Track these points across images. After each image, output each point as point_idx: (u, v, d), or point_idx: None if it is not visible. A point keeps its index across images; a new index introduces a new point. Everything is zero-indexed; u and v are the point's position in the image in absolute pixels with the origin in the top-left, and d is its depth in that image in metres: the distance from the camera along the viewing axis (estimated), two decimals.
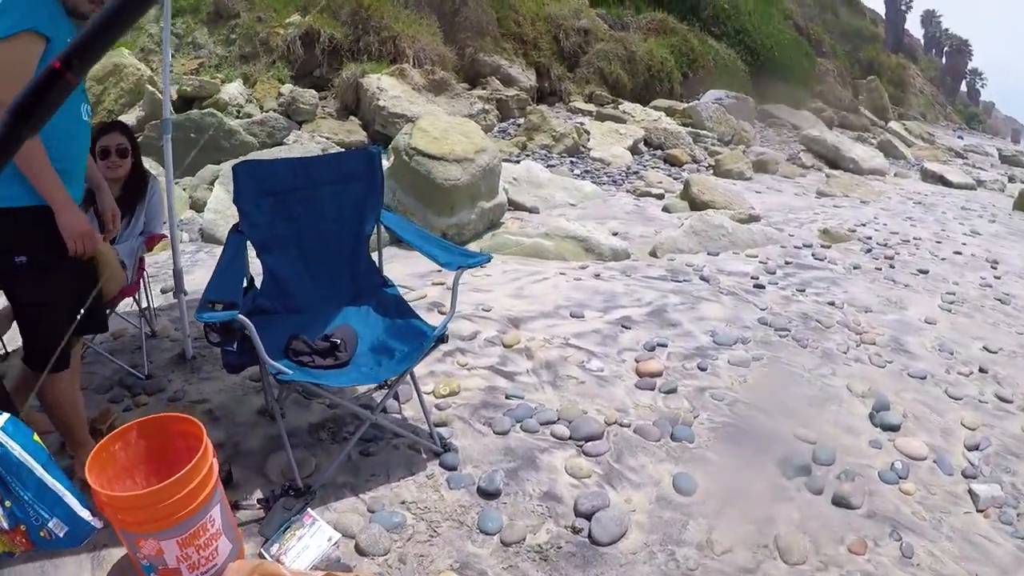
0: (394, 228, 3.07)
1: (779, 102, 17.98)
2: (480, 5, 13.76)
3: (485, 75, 13.14)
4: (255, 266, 3.09)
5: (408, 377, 2.75)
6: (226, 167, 7.74)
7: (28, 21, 2.15)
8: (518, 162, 8.86)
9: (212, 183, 7.59)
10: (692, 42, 18.16)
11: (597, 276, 4.97)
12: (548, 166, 9.14)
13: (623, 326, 4.06)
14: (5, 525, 2.10)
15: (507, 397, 3.25)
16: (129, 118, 8.88)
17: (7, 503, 2.08)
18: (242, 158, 7.93)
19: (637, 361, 3.63)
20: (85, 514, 2.15)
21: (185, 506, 2.04)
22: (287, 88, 10.71)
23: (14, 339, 4.27)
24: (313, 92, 10.78)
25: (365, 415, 2.63)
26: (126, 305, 3.98)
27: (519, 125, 11.56)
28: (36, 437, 2.21)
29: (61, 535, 2.14)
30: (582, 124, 11.74)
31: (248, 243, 2.96)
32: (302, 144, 9.45)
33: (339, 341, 2.73)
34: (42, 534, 2.12)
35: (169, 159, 3.76)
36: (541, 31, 14.96)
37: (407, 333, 2.83)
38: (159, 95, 9.18)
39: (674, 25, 18.15)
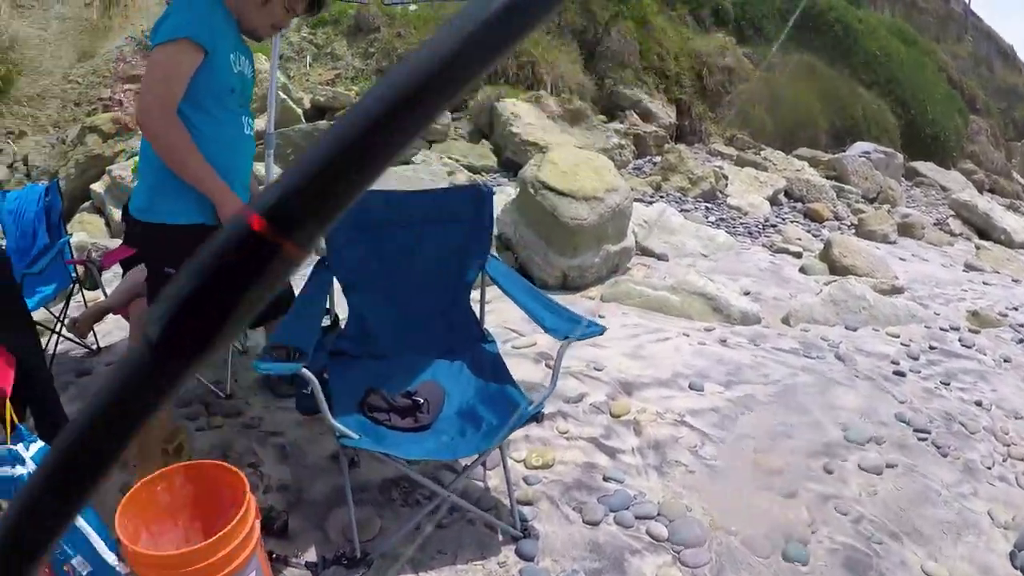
0: (499, 279, 2.76)
1: (928, 159, 16.86)
2: (623, 35, 13.46)
3: (624, 108, 12.78)
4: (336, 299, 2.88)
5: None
6: None
7: (189, 30, 2.18)
8: (651, 203, 8.49)
9: None
10: (841, 89, 17.28)
11: (723, 342, 4.52)
12: (682, 210, 8.70)
13: (745, 406, 3.61)
14: None
15: (605, 479, 2.88)
16: (259, 123, 9.07)
17: None
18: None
19: (756, 452, 3.19)
20: (111, 558, 2.04)
21: (212, 574, 1.82)
22: None
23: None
24: (446, 112, 10.73)
25: (439, 492, 2.32)
26: None
27: (655, 163, 11.14)
28: None
29: (84, 574, 2.04)
30: (720, 168, 11.23)
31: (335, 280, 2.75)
32: (429, 165, 9.35)
33: (423, 400, 2.47)
34: (65, 569, 2.03)
35: (271, 174, 3.66)
36: (684, 67, 14.45)
37: (499, 402, 2.50)
38: (291, 103, 9.34)
39: (823, 70, 17.33)
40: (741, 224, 8.98)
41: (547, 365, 3.80)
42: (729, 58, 15.25)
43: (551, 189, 5.71)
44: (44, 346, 4.14)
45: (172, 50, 2.18)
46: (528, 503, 2.67)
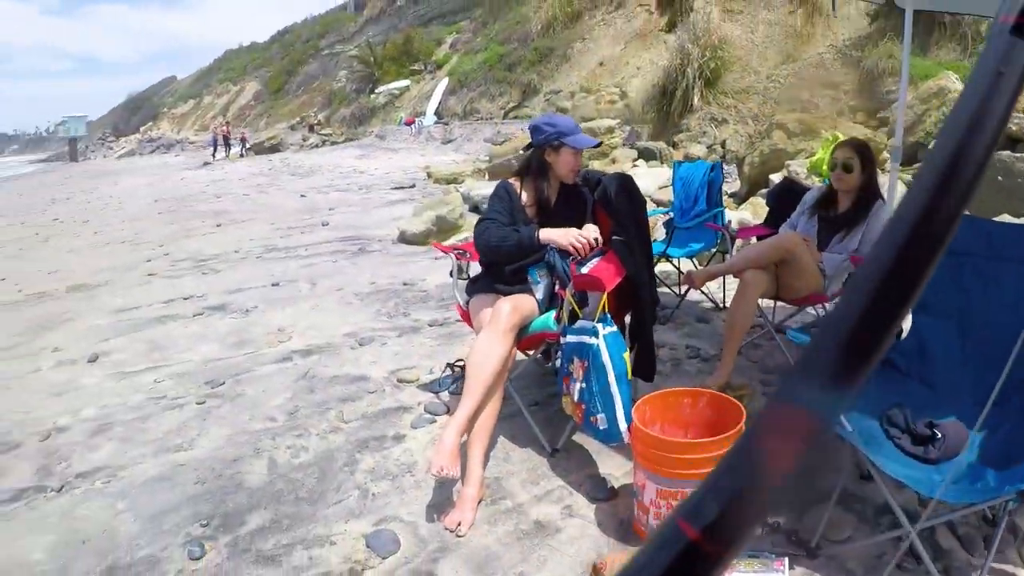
0: None
1: None
2: None
3: None
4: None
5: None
6: None
7: None
8: None
9: None
10: None
11: None
12: None
13: None
14: (575, 398, 2.91)
15: None
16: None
17: (582, 384, 2.86)
18: None
19: None
20: (622, 426, 2.80)
21: (673, 467, 2.45)
22: None
23: None
24: None
25: (904, 525, 2.32)
26: None
27: None
28: (626, 356, 2.81)
29: (600, 429, 2.86)
30: None
31: None
32: None
33: (940, 436, 2.53)
34: (591, 419, 2.87)
35: (893, 190, 3.89)
36: None
37: (1011, 466, 2.35)
38: None
39: None
40: None
41: None
42: None
43: None
44: (682, 294, 5.27)
45: None
46: None
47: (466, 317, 3.59)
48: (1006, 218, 7.27)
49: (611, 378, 2.77)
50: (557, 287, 3.26)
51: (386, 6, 48.31)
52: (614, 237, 3.23)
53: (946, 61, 12.01)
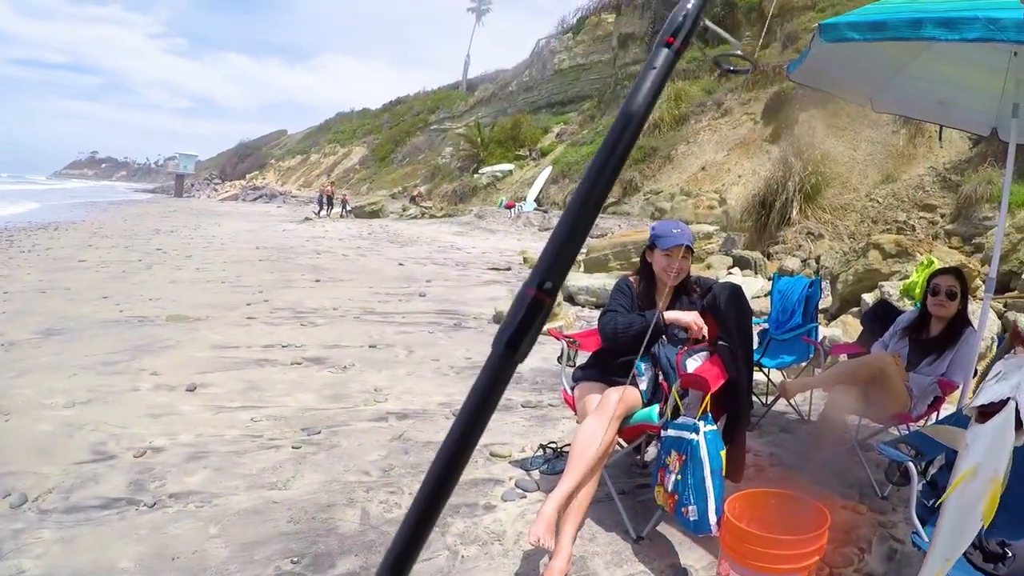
0: None
1: None
2: None
3: None
4: None
5: None
6: None
7: None
8: None
9: None
10: None
11: None
12: None
13: None
14: (669, 489, 3.09)
15: None
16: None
17: (678, 476, 3.05)
18: None
19: None
20: (712, 519, 2.97)
21: (759, 560, 2.60)
22: None
23: None
24: None
25: None
26: None
27: None
28: (723, 454, 3.01)
29: (690, 520, 3.02)
30: None
31: None
32: None
33: (1011, 555, 2.66)
34: (683, 511, 3.04)
35: (985, 318, 4.02)
36: None
37: None
38: None
39: None
40: None
41: None
42: None
43: None
44: (770, 403, 5.40)
45: None
46: None
47: (570, 402, 3.83)
48: None
49: (707, 472, 2.97)
50: (661, 378, 3.52)
51: (498, 90, 50.07)
52: (719, 342, 3.47)
53: None
